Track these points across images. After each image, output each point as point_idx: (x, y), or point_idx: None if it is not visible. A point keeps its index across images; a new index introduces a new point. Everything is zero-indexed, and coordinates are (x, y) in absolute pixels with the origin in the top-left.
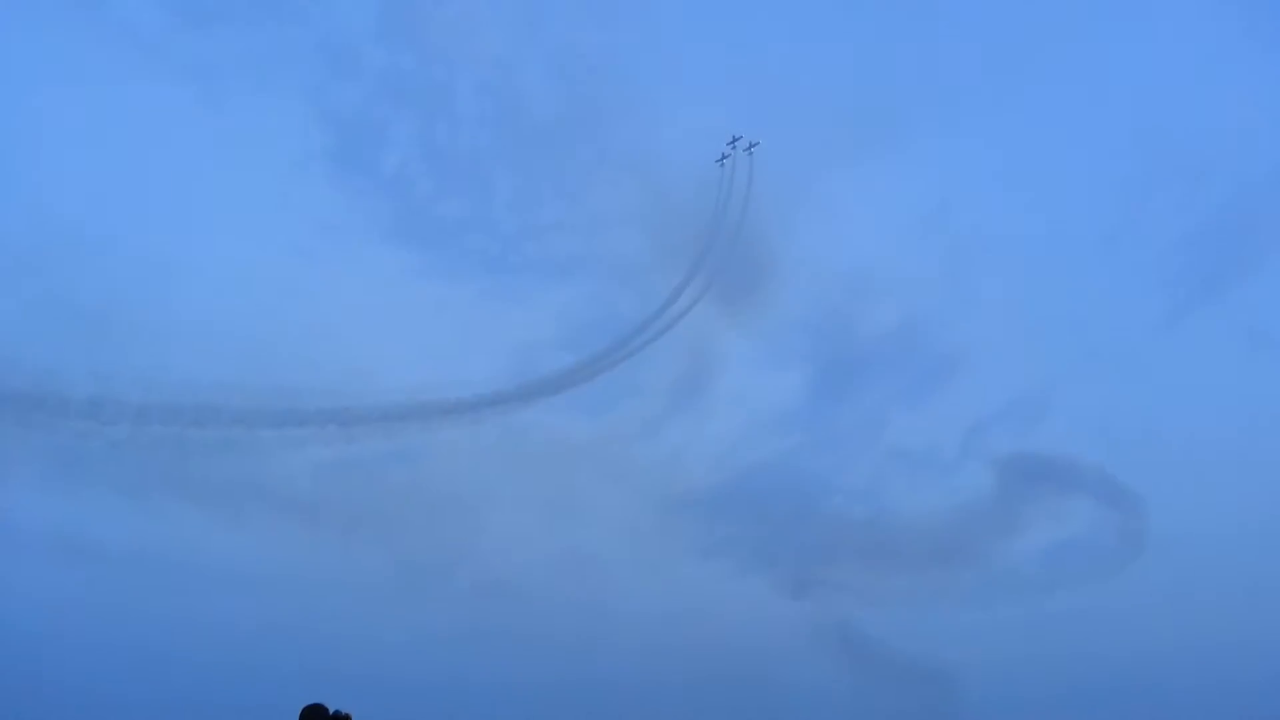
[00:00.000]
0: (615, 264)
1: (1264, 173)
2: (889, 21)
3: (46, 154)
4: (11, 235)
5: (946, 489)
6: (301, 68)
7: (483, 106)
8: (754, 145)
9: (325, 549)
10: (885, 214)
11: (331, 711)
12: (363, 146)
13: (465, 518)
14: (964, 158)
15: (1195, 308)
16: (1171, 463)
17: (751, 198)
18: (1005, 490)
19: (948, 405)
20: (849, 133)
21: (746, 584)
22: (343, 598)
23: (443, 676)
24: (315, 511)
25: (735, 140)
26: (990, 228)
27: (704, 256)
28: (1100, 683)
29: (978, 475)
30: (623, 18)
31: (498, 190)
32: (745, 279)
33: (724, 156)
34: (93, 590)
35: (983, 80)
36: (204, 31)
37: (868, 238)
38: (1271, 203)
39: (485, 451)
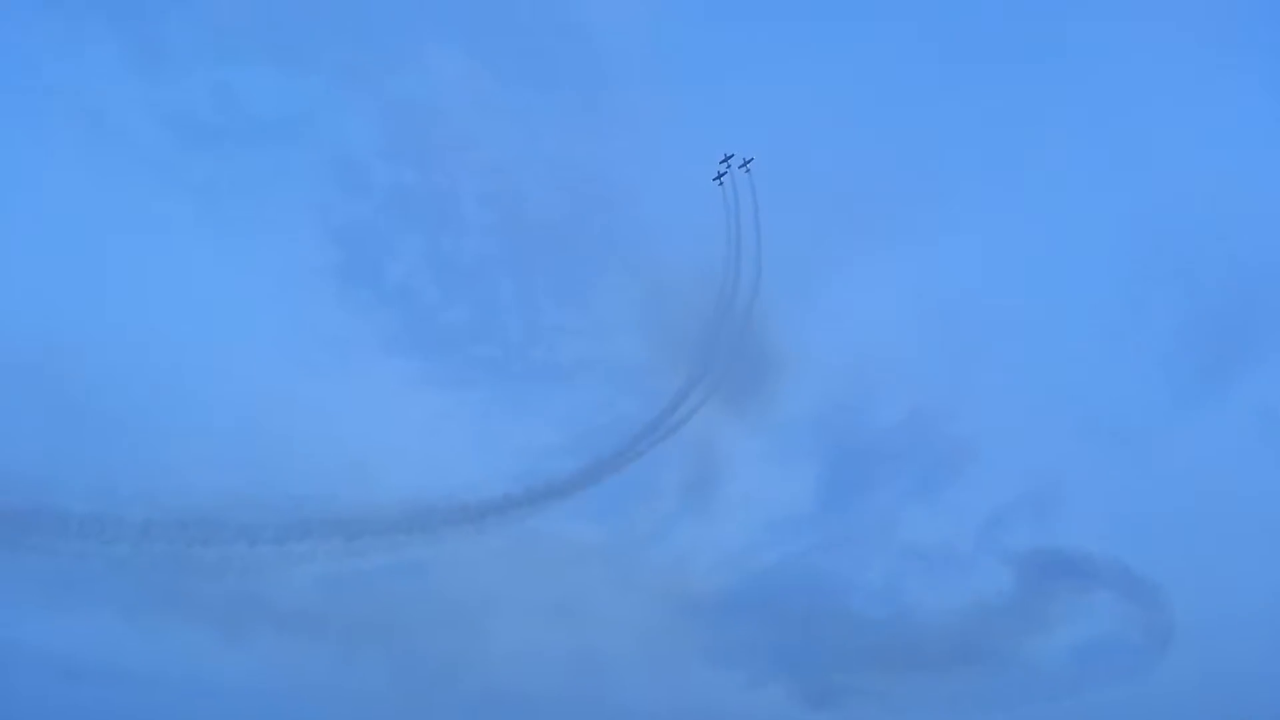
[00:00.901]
0: (621, 366)
1: (1261, 256)
2: (884, 114)
3: (48, 268)
4: (13, 348)
5: (965, 586)
6: (307, 185)
7: (486, 216)
8: (748, 162)
9: (329, 662)
10: (887, 306)
11: None
12: (368, 259)
13: (472, 625)
14: (962, 249)
15: (1202, 392)
16: (1191, 551)
17: (758, 283)
18: (1024, 586)
19: (961, 499)
20: (848, 226)
21: (764, 693)
22: (347, 710)
23: None
24: (319, 625)
25: (728, 158)
26: (993, 319)
27: (708, 355)
28: None
29: (995, 571)
30: (620, 126)
31: (502, 297)
32: (750, 376)
33: (720, 175)
34: (93, 712)
35: (979, 171)
36: (209, 151)
37: (870, 331)
38: (1271, 285)
39: (492, 559)
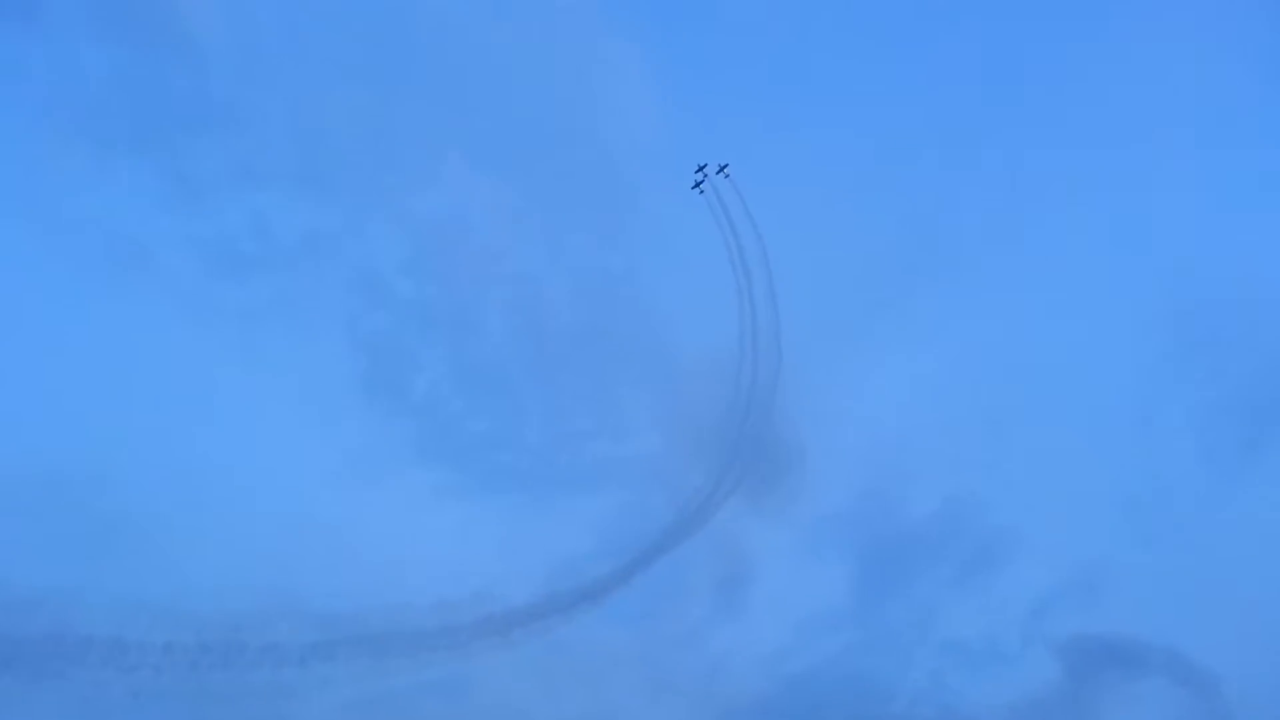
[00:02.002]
0: (646, 467)
1: None
2: (899, 190)
3: (78, 393)
4: (39, 471)
5: (1012, 680)
6: (334, 302)
7: (508, 325)
8: (724, 167)
9: None
10: (911, 390)
11: None
12: (393, 371)
13: None
14: (985, 328)
15: (1239, 467)
16: (1242, 631)
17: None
18: (1073, 676)
19: (1002, 589)
20: (867, 308)
21: None
22: None
23: None
24: None
25: (703, 168)
26: (1020, 399)
27: (733, 449)
28: None
29: (1042, 662)
30: (638, 230)
31: (526, 404)
32: (776, 467)
33: (698, 184)
34: None
35: (997, 247)
36: (239, 276)
37: (896, 415)
38: None
39: (524, 670)
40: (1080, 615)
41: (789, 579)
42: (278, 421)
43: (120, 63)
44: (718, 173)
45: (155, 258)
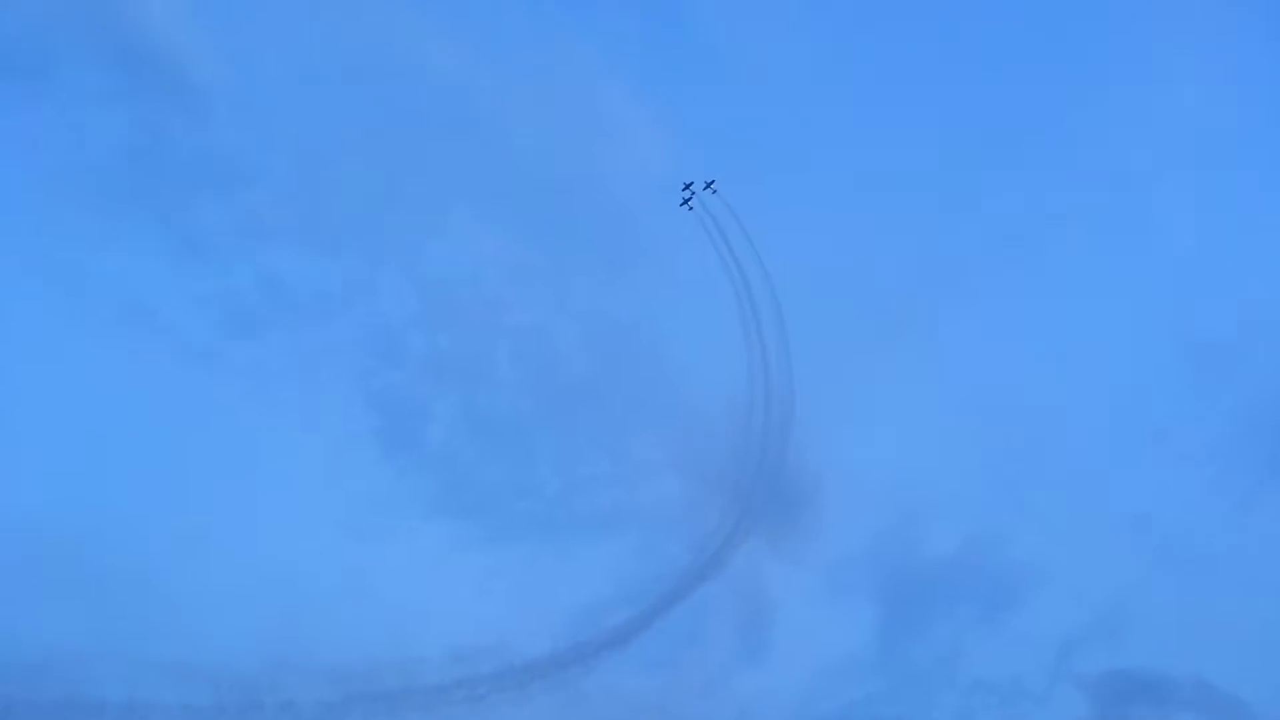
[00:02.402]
0: (661, 511)
1: None
2: (906, 217)
3: (91, 455)
4: (51, 535)
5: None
6: (346, 357)
7: (519, 374)
8: (711, 183)
9: None
10: (926, 424)
11: None
12: (407, 423)
13: None
14: (997, 356)
15: (1260, 496)
16: (1271, 661)
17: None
18: (1104, 713)
19: (1026, 627)
20: (877, 340)
21: None
22: None
23: None
24: None
25: (689, 185)
26: (1038, 431)
27: (748, 491)
28: None
29: (1072, 700)
30: (646, 275)
31: (540, 452)
32: (792, 508)
33: (686, 201)
34: None
35: (1008, 275)
36: (252, 335)
37: (911, 452)
38: None
39: None
40: (1106, 650)
41: (810, 622)
42: (292, 477)
43: (129, 127)
44: (705, 189)
45: (166, 317)
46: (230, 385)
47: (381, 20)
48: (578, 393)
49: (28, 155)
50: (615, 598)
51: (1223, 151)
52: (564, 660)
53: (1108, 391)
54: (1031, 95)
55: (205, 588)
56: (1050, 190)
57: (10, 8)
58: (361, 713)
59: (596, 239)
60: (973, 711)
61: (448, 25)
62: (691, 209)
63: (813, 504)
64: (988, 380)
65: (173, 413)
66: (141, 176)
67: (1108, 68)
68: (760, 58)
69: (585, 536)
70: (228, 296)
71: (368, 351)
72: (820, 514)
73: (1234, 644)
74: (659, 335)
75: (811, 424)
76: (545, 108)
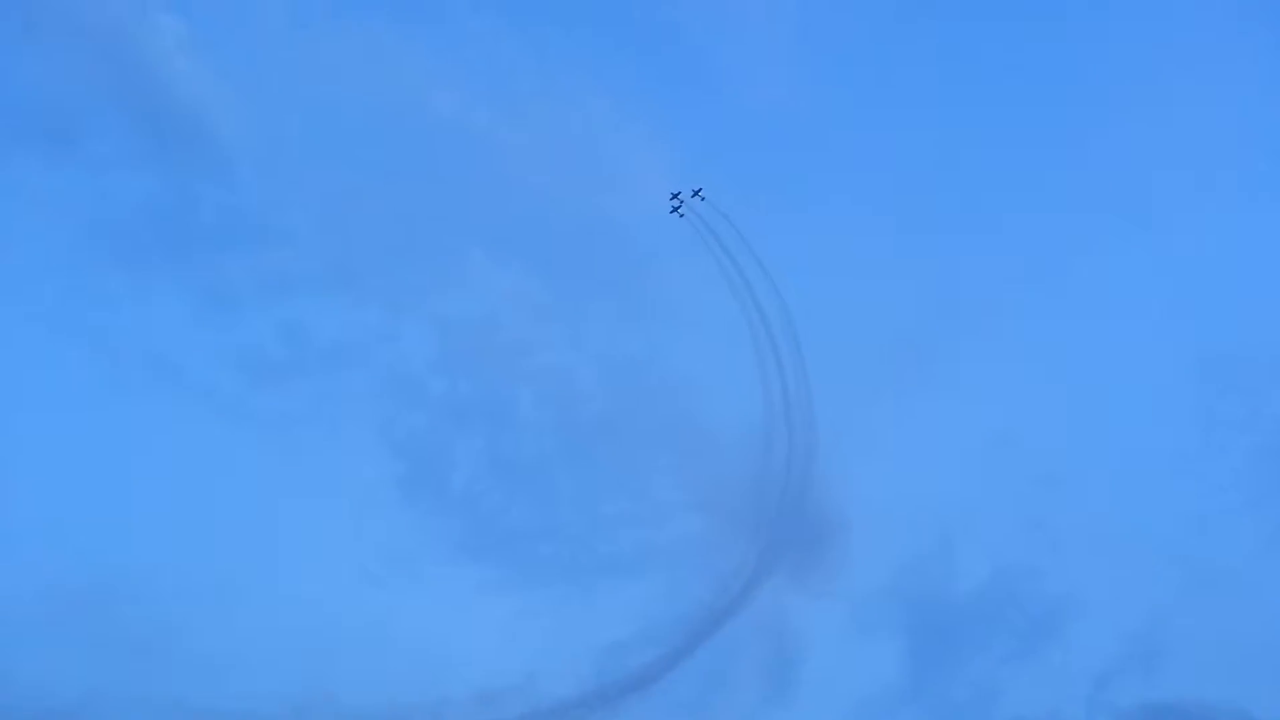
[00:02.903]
0: (686, 549)
1: None
2: (929, 244)
3: (115, 503)
4: (73, 582)
5: None
6: (369, 404)
7: (541, 416)
8: (698, 191)
9: None
10: (948, 454)
11: None
12: (430, 469)
13: None
14: (1019, 385)
15: None
16: None
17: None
18: None
19: (1062, 660)
20: (898, 369)
21: None
22: None
23: None
24: None
25: (677, 195)
26: (1063, 459)
27: (771, 526)
28: None
29: None
30: (662, 314)
31: (563, 494)
32: (816, 543)
33: (676, 208)
34: None
35: (1029, 299)
36: (275, 384)
37: (935, 482)
38: None
39: None
40: (1143, 681)
41: (839, 659)
42: (317, 525)
43: (155, 186)
44: (693, 196)
45: (191, 370)
46: (255, 435)
47: (391, 72)
48: (599, 432)
49: (58, 216)
50: (641, 638)
51: (1246, 174)
52: (591, 702)
53: (1134, 418)
54: (1049, 116)
55: (232, 636)
56: (1069, 214)
57: (41, 74)
58: None
59: (611, 277)
60: None
61: (455, 72)
62: (682, 215)
63: (838, 538)
64: (1011, 408)
65: (199, 463)
66: (167, 234)
67: (1125, 92)
68: (773, 89)
69: (610, 577)
70: (252, 348)
71: (390, 398)
72: (846, 548)
73: (1273, 672)
74: (677, 371)
75: (833, 456)
76: (554, 148)
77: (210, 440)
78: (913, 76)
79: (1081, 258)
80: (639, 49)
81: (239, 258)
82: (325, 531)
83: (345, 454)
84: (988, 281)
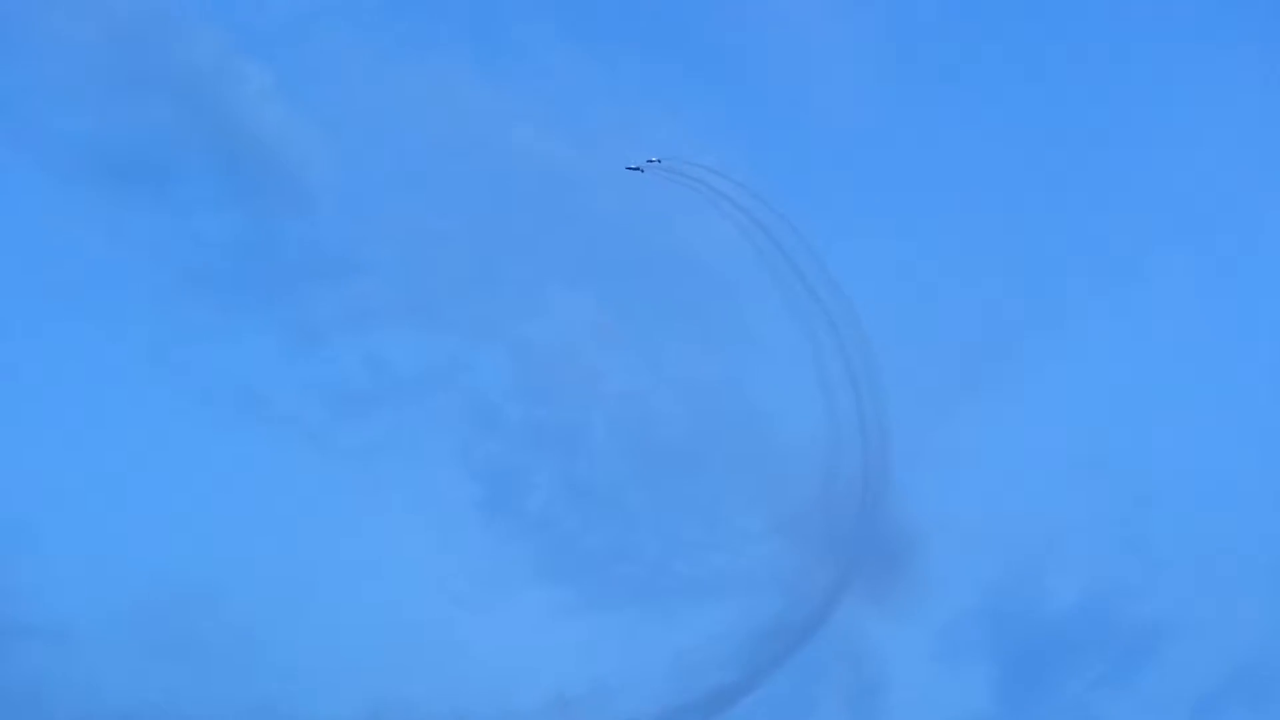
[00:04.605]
0: (762, 572)
1: None
2: (1000, 245)
3: (207, 521)
4: (177, 591)
5: None
6: (449, 431)
7: (617, 441)
8: (656, 160)
9: None
10: (1034, 467)
11: None
12: (508, 494)
13: None
14: (1110, 393)
15: None
16: None
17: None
18: None
19: (1159, 686)
20: (976, 374)
21: None
22: None
23: None
24: None
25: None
26: (1157, 472)
27: (851, 547)
28: None
29: None
30: (734, 338)
31: (640, 518)
32: (897, 564)
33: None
34: None
35: (1121, 293)
36: (359, 418)
37: (1019, 497)
38: None
39: None
40: (1246, 709)
41: (925, 684)
42: (398, 548)
43: (241, 226)
44: (651, 162)
45: (278, 402)
46: (340, 462)
47: (469, 106)
48: (674, 456)
49: (153, 257)
50: (718, 662)
51: None
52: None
53: (1238, 428)
54: (1130, 108)
55: (313, 647)
56: (1159, 210)
57: (136, 123)
58: None
59: (686, 304)
60: None
61: (532, 105)
62: (642, 171)
63: (919, 558)
64: (1099, 417)
65: (286, 488)
66: (253, 271)
67: (1211, 90)
68: (845, 104)
69: (686, 600)
70: (336, 379)
71: (469, 424)
72: (927, 569)
73: None
74: (752, 395)
75: (911, 473)
76: (629, 178)
77: (296, 466)
78: (980, 76)
79: (1176, 256)
80: (713, 75)
81: (323, 292)
82: (407, 554)
83: (426, 479)
84: (1069, 279)
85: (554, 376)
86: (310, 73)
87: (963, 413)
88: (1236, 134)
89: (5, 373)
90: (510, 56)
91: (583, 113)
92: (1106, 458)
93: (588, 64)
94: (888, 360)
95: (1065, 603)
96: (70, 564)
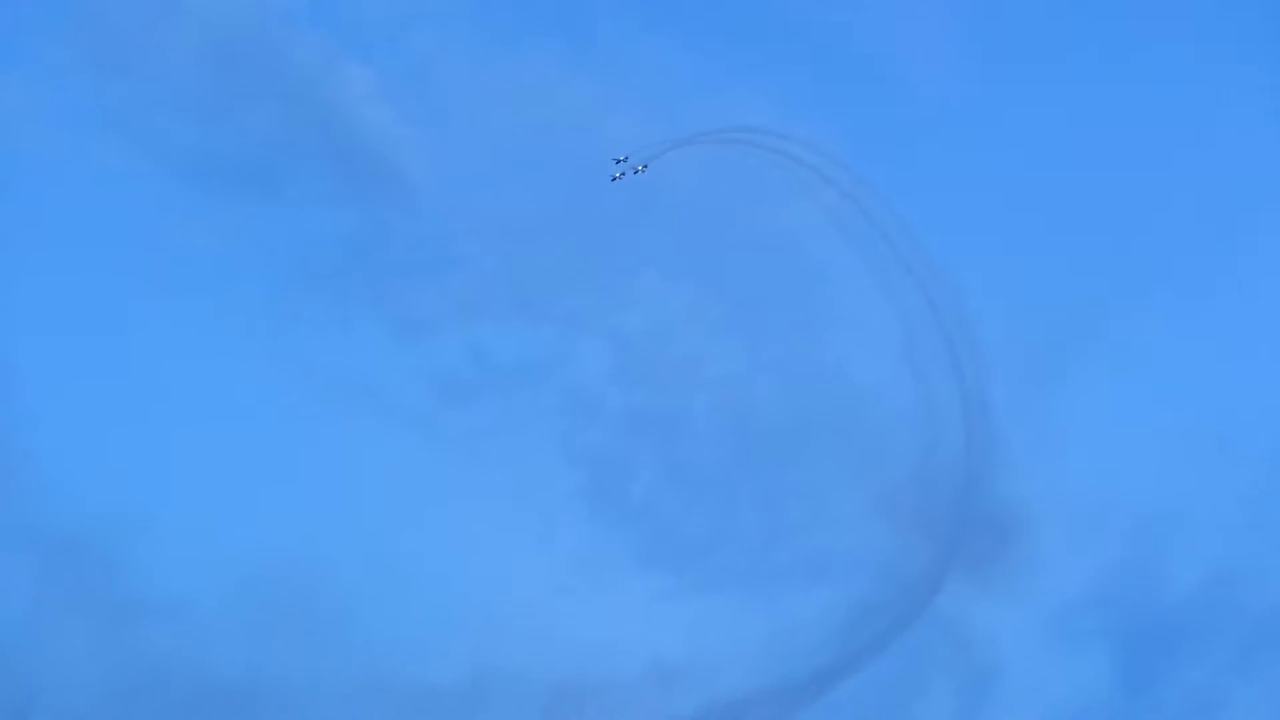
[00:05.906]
0: (866, 555)
1: None
2: (1102, 210)
3: (317, 504)
4: (292, 569)
5: None
6: (550, 419)
7: (717, 426)
8: (624, 159)
9: None
10: (1148, 444)
11: None
12: (610, 481)
13: None
14: (1230, 363)
15: None
16: None
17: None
18: None
19: None
20: (1082, 345)
21: None
22: None
23: None
24: None
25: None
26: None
27: (956, 529)
28: None
29: None
30: (833, 322)
31: (741, 503)
32: (1006, 544)
33: (617, 176)
34: None
35: (1228, 264)
36: (464, 404)
37: (1133, 474)
38: None
39: None
40: None
41: (1039, 669)
42: (503, 534)
43: (349, 223)
44: (620, 162)
45: (387, 392)
46: (446, 450)
47: (565, 100)
48: (775, 440)
49: (267, 254)
50: (822, 645)
51: None
52: (767, 698)
53: None
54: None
55: (419, 624)
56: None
57: (248, 127)
58: None
59: (783, 288)
60: None
61: (626, 96)
62: (620, 177)
63: (1028, 539)
64: (1223, 390)
65: (394, 475)
66: (361, 266)
67: None
68: (940, 84)
69: (789, 584)
70: (441, 369)
71: (570, 412)
72: (1037, 550)
73: None
74: (852, 376)
75: (1016, 449)
76: (723, 165)
77: (404, 454)
78: (1076, 46)
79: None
80: (801, 54)
81: (427, 285)
82: (511, 541)
83: (529, 466)
84: (1177, 243)
85: (652, 364)
86: (411, 71)
87: (1073, 386)
88: None
89: (130, 366)
90: (601, 49)
91: (677, 101)
92: (1230, 434)
93: (676, 53)
94: (990, 335)
95: (1187, 587)
96: (187, 544)
